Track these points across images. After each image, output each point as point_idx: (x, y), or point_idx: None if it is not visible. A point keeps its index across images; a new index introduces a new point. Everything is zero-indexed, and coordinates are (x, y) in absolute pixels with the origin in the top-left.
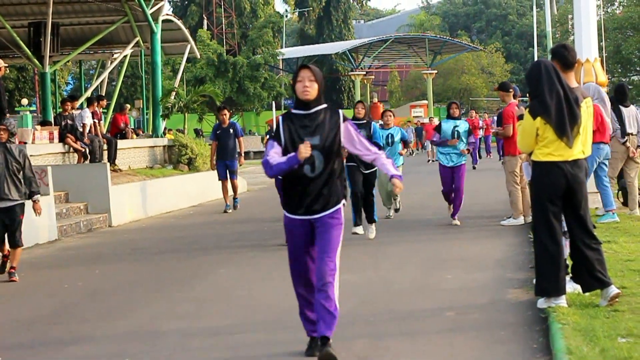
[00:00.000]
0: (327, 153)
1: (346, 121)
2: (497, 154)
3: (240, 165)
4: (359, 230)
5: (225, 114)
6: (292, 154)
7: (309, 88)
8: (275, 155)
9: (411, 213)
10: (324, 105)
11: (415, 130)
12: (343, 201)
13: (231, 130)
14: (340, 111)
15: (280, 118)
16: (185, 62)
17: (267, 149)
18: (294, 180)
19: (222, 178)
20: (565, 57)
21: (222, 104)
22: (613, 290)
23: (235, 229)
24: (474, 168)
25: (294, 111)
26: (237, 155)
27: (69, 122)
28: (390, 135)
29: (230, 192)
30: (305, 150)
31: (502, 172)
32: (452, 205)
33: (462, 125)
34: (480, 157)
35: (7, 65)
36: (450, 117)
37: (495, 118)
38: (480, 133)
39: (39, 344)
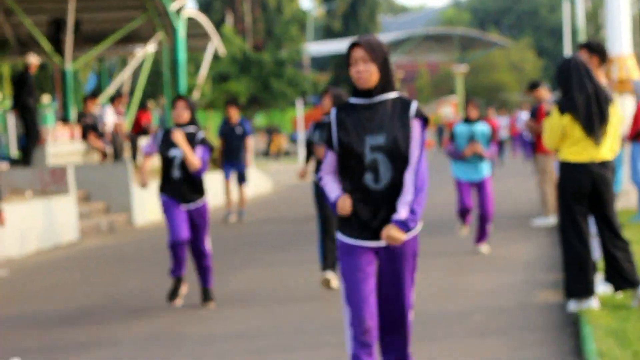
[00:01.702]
0: (395, 157)
1: (418, 118)
2: (526, 151)
3: (247, 167)
4: (330, 276)
5: (233, 110)
6: (335, 194)
7: (364, 72)
8: (329, 175)
9: (436, 212)
10: (394, 94)
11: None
12: (421, 224)
13: (239, 129)
14: (414, 103)
15: (333, 112)
16: (209, 59)
17: (324, 160)
18: (352, 194)
19: (226, 178)
20: (604, 52)
21: (230, 98)
22: None
23: (259, 230)
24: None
25: (351, 100)
26: (244, 157)
27: (91, 120)
28: None
29: (236, 197)
30: (343, 207)
31: (533, 171)
32: (469, 224)
33: (481, 128)
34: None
35: (39, 62)
36: (467, 119)
37: (524, 114)
38: (503, 134)
39: (59, 347)
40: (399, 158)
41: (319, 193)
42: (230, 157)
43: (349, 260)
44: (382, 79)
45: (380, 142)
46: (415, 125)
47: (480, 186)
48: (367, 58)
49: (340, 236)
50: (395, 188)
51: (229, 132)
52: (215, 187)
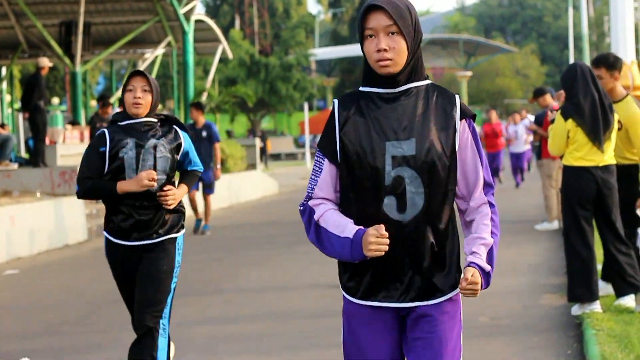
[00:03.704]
0: (431, 175)
1: (467, 119)
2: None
3: (217, 179)
4: None
5: (197, 113)
6: (349, 228)
7: (388, 52)
8: (325, 202)
9: None
10: (425, 82)
11: None
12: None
13: (205, 133)
14: (457, 97)
15: (336, 105)
16: (217, 63)
17: (312, 176)
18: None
19: (191, 189)
20: (609, 61)
21: (194, 102)
22: None
23: (266, 232)
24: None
25: (363, 89)
26: (211, 165)
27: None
28: None
29: (201, 208)
30: (377, 242)
31: (537, 176)
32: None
33: None
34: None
35: (51, 65)
36: None
37: (531, 118)
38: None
39: (66, 348)
40: (435, 176)
41: None
42: None
43: (359, 329)
44: (411, 60)
45: (408, 152)
46: (465, 128)
47: None
48: (395, 28)
49: (345, 294)
50: (429, 221)
51: (194, 137)
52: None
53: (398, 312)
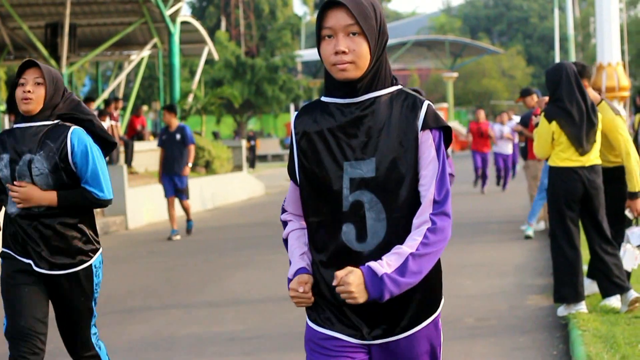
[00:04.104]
0: (393, 199)
1: (433, 130)
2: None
3: (184, 174)
4: None
5: (170, 116)
6: (294, 265)
7: (347, 55)
8: (292, 218)
9: None
10: (391, 89)
11: None
12: (442, 305)
13: (178, 136)
14: (425, 104)
15: (294, 117)
16: (203, 64)
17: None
18: (329, 261)
19: (168, 195)
20: (579, 69)
21: (167, 104)
22: (632, 294)
23: (252, 233)
24: (482, 192)
25: (324, 99)
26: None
27: None
28: None
29: (180, 212)
30: (294, 293)
31: (524, 177)
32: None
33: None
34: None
35: None
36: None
37: (516, 119)
38: (502, 147)
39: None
40: (398, 200)
41: None
42: (169, 170)
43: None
44: (375, 65)
45: (367, 173)
46: (427, 141)
47: None
48: (356, 28)
49: (308, 321)
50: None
51: (167, 140)
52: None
53: (368, 348)
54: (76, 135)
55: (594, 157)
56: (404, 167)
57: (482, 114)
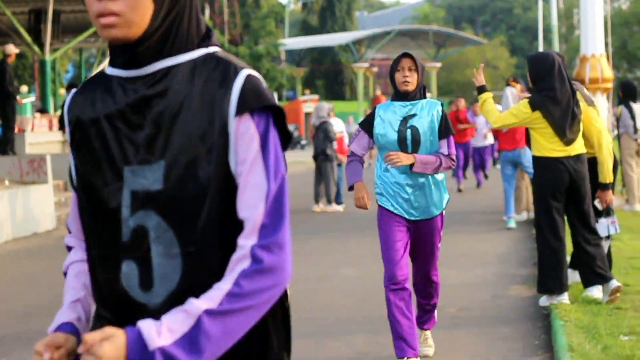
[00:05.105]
0: (192, 223)
1: (254, 113)
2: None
3: None
4: None
5: None
6: (62, 316)
7: (113, 3)
8: (76, 244)
9: None
10: (192, 54)
11: None
12: None
13: None
14: (243, 75)
15: (69, 100)
16: None
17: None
18: (113, 317)
19: None
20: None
21: None
22: (614, 283)
23: None
24: (459, 190)
25: (109, 71)
26: None
27: None
28: None
29: None
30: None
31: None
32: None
33: (425, 115)
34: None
35: (17, 51)
36: (398, 95)
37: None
38: (481, 140)
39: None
40: (199, 226)
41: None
42: None
43: None
44: (164, 21)
45: (153, 185)
46: (245, 132)
47: (419, 226)
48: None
49: None
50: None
51: None
52: None
53: None
54: None
55: (579, 146)
56: (205, 175)
57: (462, 101)
